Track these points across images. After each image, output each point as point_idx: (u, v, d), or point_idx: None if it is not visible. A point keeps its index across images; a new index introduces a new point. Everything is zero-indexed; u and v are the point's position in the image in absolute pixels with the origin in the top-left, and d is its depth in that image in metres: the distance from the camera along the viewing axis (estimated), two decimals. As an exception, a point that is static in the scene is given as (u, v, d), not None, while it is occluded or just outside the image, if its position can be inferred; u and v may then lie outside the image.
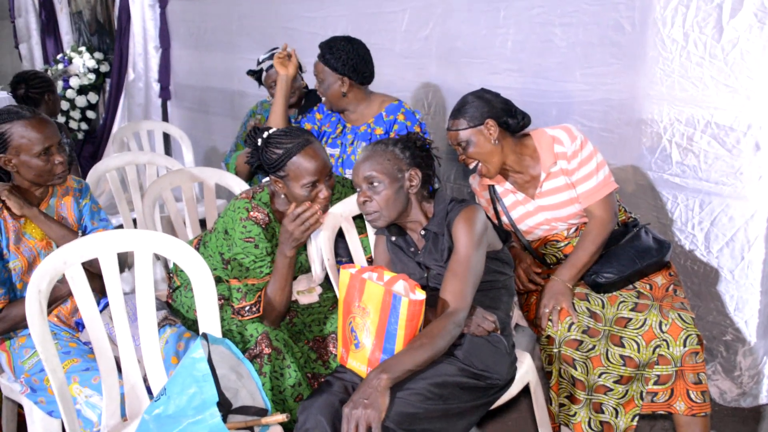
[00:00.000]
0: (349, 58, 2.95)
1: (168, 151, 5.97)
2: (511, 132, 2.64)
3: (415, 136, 2.35)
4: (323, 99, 3.10)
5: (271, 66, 3.61)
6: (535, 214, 2.65)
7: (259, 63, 3.75)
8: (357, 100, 3.06)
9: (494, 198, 2.68)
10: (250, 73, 3.80)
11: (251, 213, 2.47)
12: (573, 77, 3.16)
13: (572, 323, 2.38)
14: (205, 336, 2.02)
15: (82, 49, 6.80)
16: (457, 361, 2.07)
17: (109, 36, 6.78)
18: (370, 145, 2.35)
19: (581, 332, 2.36)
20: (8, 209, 2.35)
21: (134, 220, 3.52)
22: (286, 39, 4.61)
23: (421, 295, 2.00)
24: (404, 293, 2.02)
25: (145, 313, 2.16)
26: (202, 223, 3.46)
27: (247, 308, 2.47)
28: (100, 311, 2.41)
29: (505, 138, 2.60)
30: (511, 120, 2.62)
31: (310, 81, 3.60)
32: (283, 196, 2.50)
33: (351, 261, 2.71)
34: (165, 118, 6.17)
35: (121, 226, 3.52)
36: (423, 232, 2.29)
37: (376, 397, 1.86)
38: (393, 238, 2.38)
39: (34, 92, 4.08)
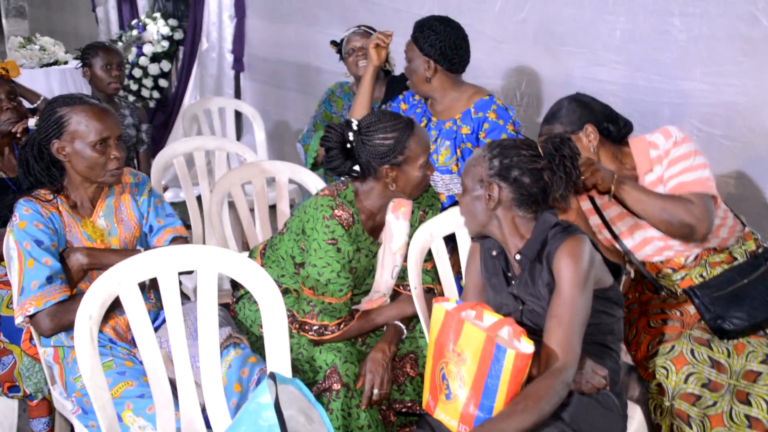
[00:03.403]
0: (439, 40, 2.67)
1: (239, 126, 5.81)
2: (611, 140, 2.33)
3: (527, 148, 1.98)
4: (408, 82, 2.84)
5: (353, 32, 3.40)
6: (632, 233, 2.34)
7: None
8: (443, 88, 2.77)
9: (604, 218, 2.35)
10: (334, 43, 3.54)
11: (336, 211, 2.24)
12: (692, 75, 2.82)
13: (691, 373, 2.05)
14: (273, 376, 1.78)
15: (157, 15, 6.64)
16: (563, 425, 1.77)
17: (184, 2, 6.60)
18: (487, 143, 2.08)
19: (700, 385, 2.04)
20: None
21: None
22: (367, 13, 4.37)
23: (529, 347, 1.72)
24: (509, 341, 1.74)
25: (207, 341, 1.94)
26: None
27: (315, 327, 2.26)
28: (158, 326, 2.22)
29: (605, 146, 2.30)
30: (612, 126, 2.31)
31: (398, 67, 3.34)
32: (393, 186, 2.26)
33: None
34: (237, 90, 5.99)
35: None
36: (518, 257, 1.99)
37: None
38: (494, 253, 2.08)
39: None
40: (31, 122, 2.23)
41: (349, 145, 2.24)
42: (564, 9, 3.21)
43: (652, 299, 2.39)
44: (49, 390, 2.35)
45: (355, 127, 2.24)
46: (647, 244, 2.32)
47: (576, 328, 1.80)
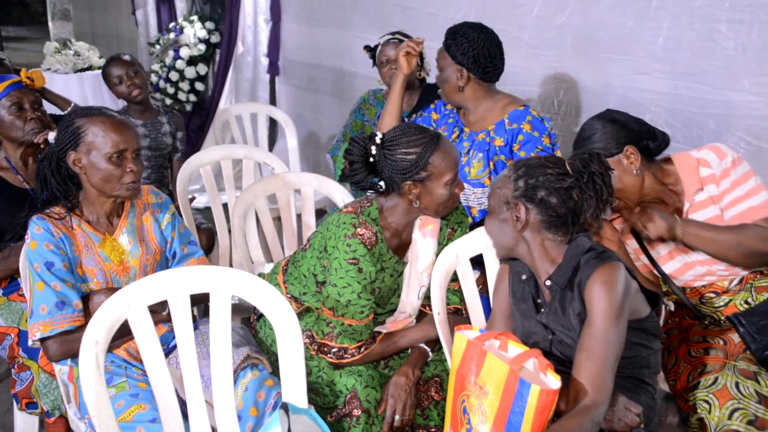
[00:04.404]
0: (472, 48, 2.56)
1: (273, 131, 5.75)
2: (651, 157, 2.19)
3: (554, 166, 1.86)
4: (439, 91, 2.73)
5: (387, 42, 3.29)
6: (673, 257, 2.20)
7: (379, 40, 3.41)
8: (476, 98, 2.66)
9: (642, 242, 2.21)
10: (367, 48, 3.45)
11: (358, 230, 2.16)
12: (739, 85, 2.65)
13: (736, 409, 1.91)
14: (285, 407, 1.70)
15: (194, 18, 6.63)
16: (592, 467, 1.66)
17: (221, 5, 6.58)
18: (512, 162, 1.97)
19: (746, 422, 1.89)
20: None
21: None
22: (402, 18, 4.27)
23: (555, 382, 1.60)
24: (534, 375, 1.63)
25: (221, 364, 1.86)
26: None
27: (335, 350, 2.18)
28: (170, 350, 2.16)
29: (646, 166, 2.16)
30: (651, 143, 2.17)
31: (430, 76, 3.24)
32: (417, 203, 2.17)
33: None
34: (272, 94, 5.93)
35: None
36: (548, 283, 1.87)
37: None
38: (523, 277, 1.97)
39: None
40: (51, 135, 2.18)
41: (372, 159, 2.16)
42: (605, 14, 3.07)
43: (693, 325, 2.25)
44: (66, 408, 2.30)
45: (378, 141, 2.15)
46: (689, 269, 2.19)
47: (608, 362, 1.68)
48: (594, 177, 1.83)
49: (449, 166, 2.12)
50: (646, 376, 1.87)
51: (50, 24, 12.16)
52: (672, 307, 2.35)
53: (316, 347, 2.22)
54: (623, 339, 1.73)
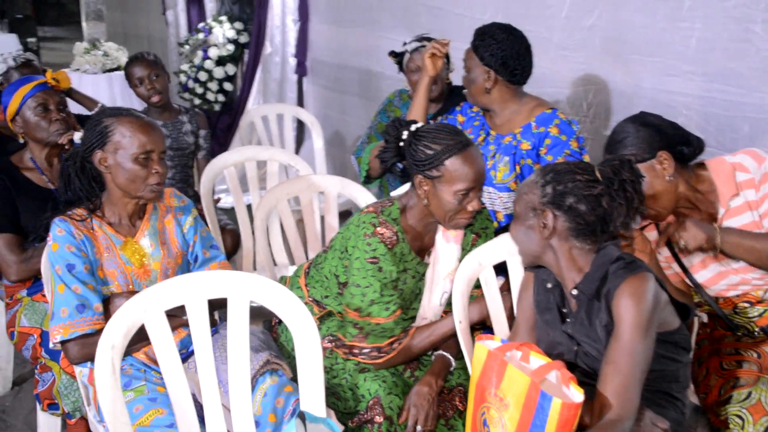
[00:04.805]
0: (500, 49, 2.52)
1: (301, 132, 5.75)
2: (685, 162, 2.12)
3: (583, 172, 1.80)
4: (465, 91, 2.70)
5: (416, 49, 3.23)
6: (707, 265, 2.13)
7: (404, 45, 3.35)
8: (503, 100, 2.61)
9: (673, 250, 2.15)
10: (393, 54, 3.41)
11: (378, 229, 2.14)
12: (776, 88, 2.56)
13: (770, 425, 1.85)
14: (302, 416, 1.67)
15: (223, 18, 6.65)
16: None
17: (249, 5, 6.60)
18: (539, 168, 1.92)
19: (780, 439, 1.84)
20: None
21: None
22: (430, 18, 4.23)
23: (578, 395, 1.55)
24: (556, 387, 1.59)
25: (238, 371, 1.84)
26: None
27: (366, 350, 2.15)
28: (191, 353, 2.15)
29: (679, 172, 2.09)
30: (686, 149, 2.10)
31: (456, 76, 3.18)
32: (425, 201, 2.15)
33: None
34: (300, 94, 5.92)
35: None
36: (575, 292, 1.82)
37: None
38: (548, 285, 1.92)
39: None
40: (77, 136, 2.17)
41: (401, 143, 2.17)
42: (635, 15, 3.00)
43: (726, 337, 2.17)
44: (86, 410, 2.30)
45: (412, 128, 2.16)
46: (722, 278, 2.12)
47: (635, 376, 1.63)
48: (625, 184, 1.77)
49: (464, 176, 2.08)
50: (675, 390, 1.81)
51: (84, 24, 12.31)
52: (705, 319, 2.28)
53: (345, 350, 2.19)
54: (651, 352, 1.67)
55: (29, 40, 13.94)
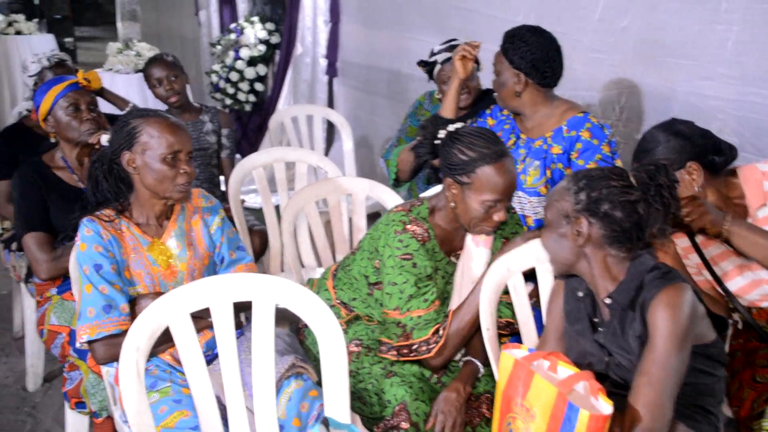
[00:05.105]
0: (530, 52, 2.49)
1: (331, 133, 5.74)
2: (716, 171, 2.07)
3: (618, 178, 1.77)
4: (495, 94, 2.66)
5: (447, 60, 3.17)
6: (742, 272, 2.08)
7: (433, 54, 3.31)
8: (533, 104, 2.58)
9: (704, 257, 2.09)
10: (422, 63, 3.37)
11: (408, 226, 2.13)
12: (816, 92, 2.50)
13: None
14: (326, 422, 1.66)
15: (255, 19, 6.67)
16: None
17: (281, 6, 6.61)
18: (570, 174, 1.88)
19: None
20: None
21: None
22: (462, 20, 4.20)
23: (607, 407, 1.52)
24: (584, 398, 1.55)
25: (263, 375, 1.83)
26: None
27: (415, 346, 2.12)
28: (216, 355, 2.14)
29: (709, 182, 2.05)
30: (717, 158, 2.06)
31: (486, 79, 3.15)
32: (452, 204, 2.14)
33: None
34: (330, 96, 5.91)
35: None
36: (608, 301, 1.78)
37: None
38: (579, 294, 1.88)
39: None
40: (104, 138, 2.19)
41: (437, 142, 2.16)
42: (670, 17, 2.94)
43: (759, 349, 2.12)
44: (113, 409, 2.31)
45: (450, 128, 2.15)
46: (755, 288, 2.07)
47: (668, 389, 1.59)
48: (662, 189, 1.74)
49: (494, 187, 2.06)
50: (709, 404, 1.77)
51: (119, 24, 12.44)
52: (740, 324, 2.22)
53: (394, 353, 2.16)
54: (686, 365, 1.63)
55: (66, 40, 14.14)
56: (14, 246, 3.06)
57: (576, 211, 1.76)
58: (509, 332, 2.26)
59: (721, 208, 2.05)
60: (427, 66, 3.33)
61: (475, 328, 2.13)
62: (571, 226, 1.78)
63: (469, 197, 2.09)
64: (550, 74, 2.54)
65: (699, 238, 2.08)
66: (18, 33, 8.07)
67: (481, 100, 3.22)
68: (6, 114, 7.01)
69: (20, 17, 8.31)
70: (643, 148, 2.09)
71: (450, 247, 2.25)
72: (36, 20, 8.54)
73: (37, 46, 7.56)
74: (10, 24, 8.11)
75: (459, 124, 2.17)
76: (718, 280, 2.07)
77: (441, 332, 2.12)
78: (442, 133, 2.15)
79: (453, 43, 3.25)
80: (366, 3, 5.32)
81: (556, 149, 2.54)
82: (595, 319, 1.84)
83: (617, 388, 1.73)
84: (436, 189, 2.44)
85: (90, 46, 16.11)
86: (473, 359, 2.19)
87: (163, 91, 3.57)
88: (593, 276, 1.80)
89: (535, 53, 2.49)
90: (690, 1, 2.85)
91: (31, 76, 3.55)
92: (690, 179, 2.01)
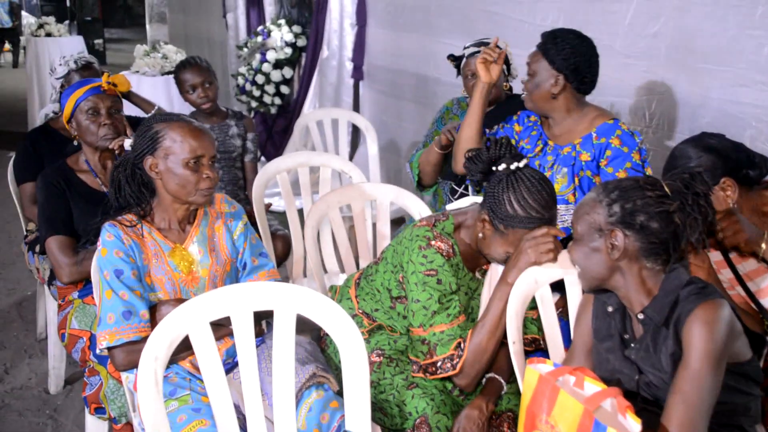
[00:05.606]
0: (574, 54, 2.41)
1: (356, 137, 5.71)
2: (750, 185, 2.01)
3: (652, 188, 1.70)
4: (524, 95, 2.57)
5: (473, 54, 3.12)
6: None
7: (464, 49, 3.27)
8: (566, 108, 2.51)
9: (738, 273, 2.03)
10: (451, 57, 3.33)
11: (433, 242, 2.08)
12: None
13: None
14: (345, 435, 1.63)
15: (282, 21, 6.67)
16: None
17: (308, 9, 6.60)
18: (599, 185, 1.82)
19: None
20: None
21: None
22: (489, 24, 4.14)
23: (635, 425, 1.46)
24: (612, 416, 1.50)
25: (283, 385, 1.79)
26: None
27: (439, 363, 2.07)
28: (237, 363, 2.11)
29: (743, 197, 1.98)
30: (752, 171, 1.99)
31: (516, 83, 3.11)
32: (480, 235, 2.10)
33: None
34: (356, 99, 5.89)
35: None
36: (641, 317, 1.72)
37: None
38: (609, 309, 1.83)
39: None
40: (127, 143, 2.17)
41: (493, 168, 2.08)
42: (702, 23, 2.87)
43: None
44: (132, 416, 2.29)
45: (514, 166, 2.04)
46: None
47: (702, 408, 1.54)
48: (698, 198, 1.68)
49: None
50: (745, 424, 1.71)
51: (148, 26, 12.55)
52: None
53: (422, 372, 2.12)
54: (720, 384, 1.57)
55: (96, 41, 14.32)
56: (38, 248, 3.06)
57: (610, 223, 1.70)
58: (534, 348, 2.20)
59: (755, 223, 1.98)
60: (456, 60, 3.28)
61: (497, 341, 2.08)
62: (604, 239, 1.72)
63: (497, 241, 2.07)
64: (589, 80, 2.47)
65: (732, 254, 2.01)
66: (48, 35, 8.16)
67: (507, 104, 3.15)
68: (35, 116, 7.08)
69: (51, 19, 8.40)
70: (673, 166, 2.03)
71: (474, 263, 2.21)
72: (66, 22, 8.62)
73: (66, 47, 7.63)
74: (41, 26, 8.20)
75: (523, 162, 2.05)
76: (752, 296, 2.00)
77: (462, 346, 2.07)
78: (503, 166, 2.05)
79: (485, 40, 3.20)
80: (392, 6, 5.29)
81: (585, 156, 2.48)
82: (626, 336, 1.78)
83: (648, 405, 1.68)
84: (463, 202, 2.39)
85: (119, 47, 16.31)
86: (497, 376, 2.14)
87: (197, 97, 3.56)
88: (627, 290, 1.74)
89: (578, 56, 2.42)
90: (724, 6, 2.79)
91: (58, 78, 3.56)
92: (724, 196, 1.94)
